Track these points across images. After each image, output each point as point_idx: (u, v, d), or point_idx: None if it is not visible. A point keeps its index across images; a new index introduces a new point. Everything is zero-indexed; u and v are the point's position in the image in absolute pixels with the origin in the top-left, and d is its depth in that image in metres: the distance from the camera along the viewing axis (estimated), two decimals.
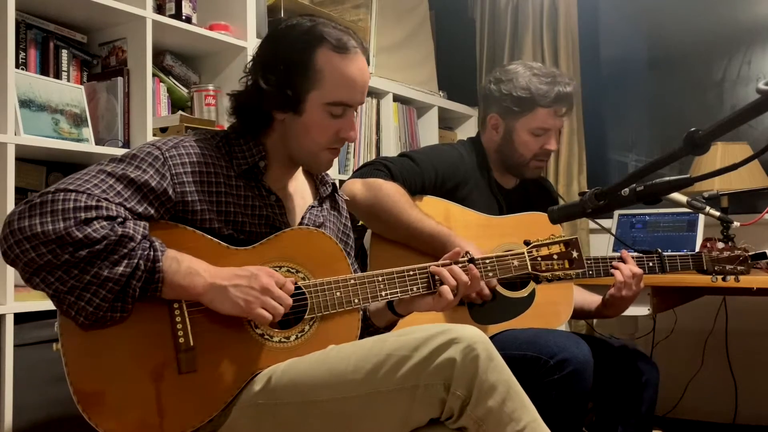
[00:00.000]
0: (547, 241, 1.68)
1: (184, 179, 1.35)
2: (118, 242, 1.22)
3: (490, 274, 1.61)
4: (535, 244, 1.68)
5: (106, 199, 1.24)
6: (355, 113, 1.48)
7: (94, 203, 1.22)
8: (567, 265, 1.68)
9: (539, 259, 1.67)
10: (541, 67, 2.09)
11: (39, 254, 1.18)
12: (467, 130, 3.42)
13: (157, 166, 1.33)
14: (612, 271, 1.92)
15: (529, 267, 1.66)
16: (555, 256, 1.68)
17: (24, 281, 1.23)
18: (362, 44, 1.47)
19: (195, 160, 1.38)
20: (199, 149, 1.40)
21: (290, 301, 1.32)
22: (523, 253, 1.66)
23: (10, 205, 1.74)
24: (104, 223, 1.22)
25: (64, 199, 1.21)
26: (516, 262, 1.65)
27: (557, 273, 1.67)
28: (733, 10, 3.29)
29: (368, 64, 1.52)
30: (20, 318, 1.75)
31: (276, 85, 1.41)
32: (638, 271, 1.91)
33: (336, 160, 2.70)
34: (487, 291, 1.78)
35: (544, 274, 1.67)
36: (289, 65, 1.41)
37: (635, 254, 1.97)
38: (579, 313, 2.10)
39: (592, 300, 2.08)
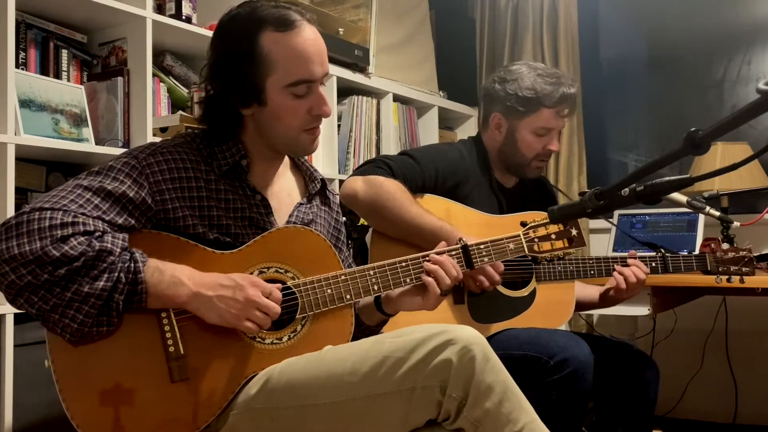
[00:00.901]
0: (544, 221, 1.64)
1: (163, 186, 1.33)
2: (97, 257, 1.20)
3: (486, 259, 1.59)
4: (532, 225, 1.64)
5: (83, 214, 1.23)
6: (322, 86, 1.43)
7: (70, 219, 1.21)
8: (566, 244, 1.64)
9: (536, 240, 1.62)
10: (545, 67, 2.10)
11: (19, 276, 1.17)
12: (467, 130, 3.42)
13: (135, 175, 1.31)
14: (615, 275, 1.92)
15: (526, 249, 1.62)
16: (553, 236, 1.63)
17: (9, 303, 1.22)
18: (307, 14, 1.40)
19: (174, 166, 1.35)
20: (178, 154, 1.37)
21: (278, 309, 1.30)
22: (519, 235, 1.62)
23: (10, 205, 1.74)
24: (82, 239, 1.20)
25: (39, 218, 1.19)
26: (512, 245, 1.61)
27: (556, 252, 1.63)
28: (733, 10, 3.29)
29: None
30: (20, 318, 1.75)
31: (232, 82, 1.38)
32: (642, 278, 1.91)
33: (336, 160, 2.72)
34: (486, 285, 1.76)
35: (543, 254, 1.63)
36: (238, 59, 1.37)
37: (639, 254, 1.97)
38: (577, 306, 2.10)
39: (589, 293, 2.08)
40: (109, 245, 1.22)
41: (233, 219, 1.39)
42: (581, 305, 2.11)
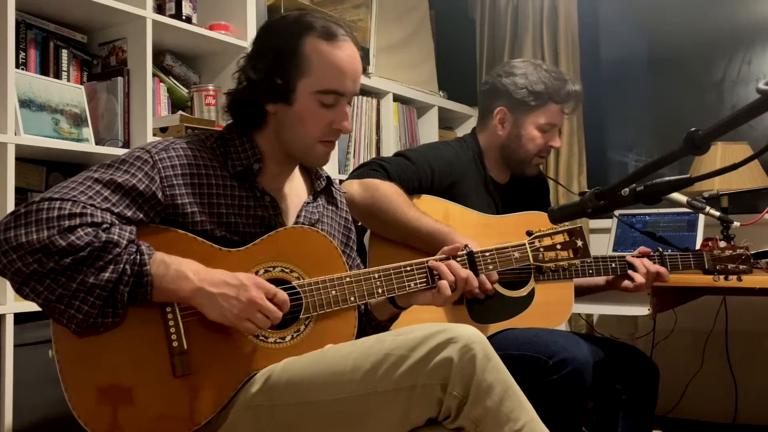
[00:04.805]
0: (550, 231, 1.64)
1: (174, 182, 1.34)
2: (103, 248, 1.21)
3: (491, 266, 1.59)
4: (537, 234, 1.64)
5: (92, 206, 1.24)
6: (348, 104, 1.46)
7: (78, 210, 1.21)
8: (571, 255, 1.64)
9: (541, 249, 1.63)
10: (548, 64, 2.12)
11: (25, 264, 1.18)
12: (467, 130, 3.36)
13: (146, 169, 1.32)
14: (631, 273, 1.93)
15: (531, 258, 1.62)
16: (558, 246, 1.63)
17: (16, 292, 1.23)
18: (352, 34, 1.45)
19: (186, 162, 1.37)
20: (191, 151, 1.39)
21: (279, 314, 1.31)
22: (524, 244, 1.62)
23: (11, 205, 1.74)
24: (89, 229, 1.21)
25: (48, 208, 1.21)
26: (517, 254, 1.62)
27: (561, 263, 1.63)
28: (733, 10, 3.29)
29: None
30: (20, 318, 1.75)
31: (265, 74, 1.40)
32: (654, 270, 1.94)
33: (336, 160, 2.72)
34: (489, 286, 1.77)
35: (547, 264, 1.62)
36: (277, 53, 1.40)
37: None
38: (585, 290, 2.11)
39: (593, 280, 2.08)
40: (116, 237, 1.23)
41: (242, 217, 1.41)
42: (582, 290, 2.10)
